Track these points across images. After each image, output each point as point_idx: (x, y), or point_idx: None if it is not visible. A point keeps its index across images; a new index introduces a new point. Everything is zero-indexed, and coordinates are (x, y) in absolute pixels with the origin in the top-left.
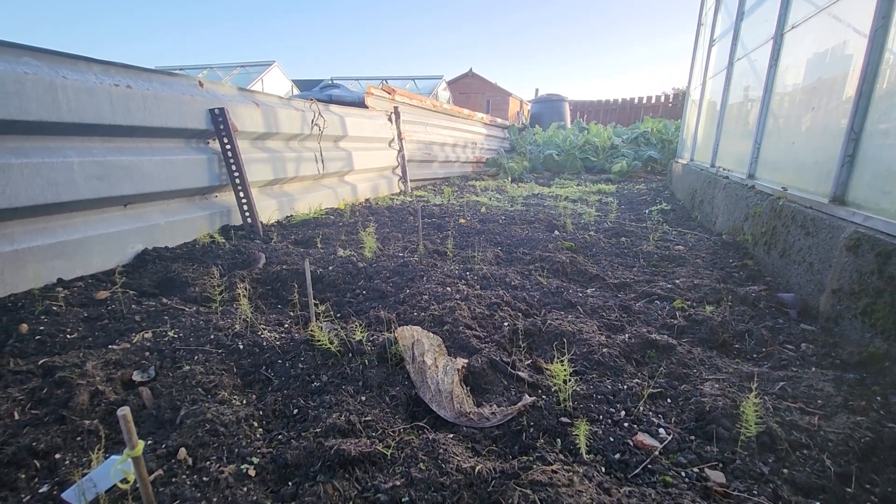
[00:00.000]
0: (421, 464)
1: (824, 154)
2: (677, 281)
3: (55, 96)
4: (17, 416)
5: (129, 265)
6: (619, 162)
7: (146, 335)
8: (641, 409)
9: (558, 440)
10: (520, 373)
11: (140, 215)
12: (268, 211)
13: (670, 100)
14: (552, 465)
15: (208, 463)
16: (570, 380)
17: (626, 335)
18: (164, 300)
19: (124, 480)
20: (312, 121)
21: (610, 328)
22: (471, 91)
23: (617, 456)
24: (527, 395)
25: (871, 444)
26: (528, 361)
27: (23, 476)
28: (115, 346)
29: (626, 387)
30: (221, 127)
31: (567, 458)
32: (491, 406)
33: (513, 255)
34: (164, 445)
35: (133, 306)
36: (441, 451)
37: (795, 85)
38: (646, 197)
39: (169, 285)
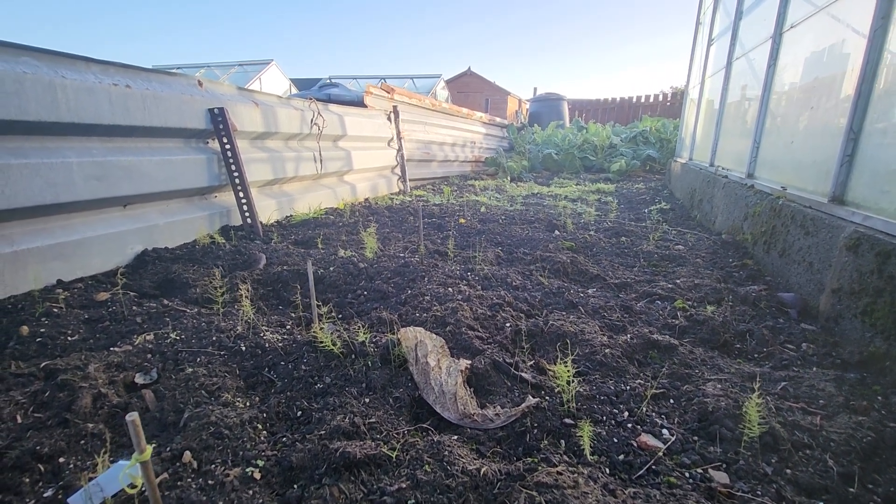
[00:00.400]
0: (426, 466)
1: (823, 153)
2: (678, 281)
3: (54, 96)
4: (19, 420)
5: (128, 266)
6: (618, 161)
7: (148, 337)
8: (644, 409)
9: (562, 441)
10: (523, 374)
11: (139, 216)
12: (267, 211)
13: (668, 99)
14: (557, 466)
15: (213, 466)
16: (573, 381)
17: (628, 335)
18: (166, 301)
19: (132, 485)
20: (311, 120)
21: (612, 328)
22: (469, 90)
23: (621, 457)
24: (530, 397)
25: (873, 444)
26: (531, 362)
27: (27, 480)
28: (116, 349)
29: (628, 387)
30: (221, 126)
31: (571, 460)
32: (495, 407)
33: (513, 255)
34: (168, 448)
35: (134, 308)
36: (446, 452)
37: (794, 84)
38: (645, 196)
39: (170, 286)
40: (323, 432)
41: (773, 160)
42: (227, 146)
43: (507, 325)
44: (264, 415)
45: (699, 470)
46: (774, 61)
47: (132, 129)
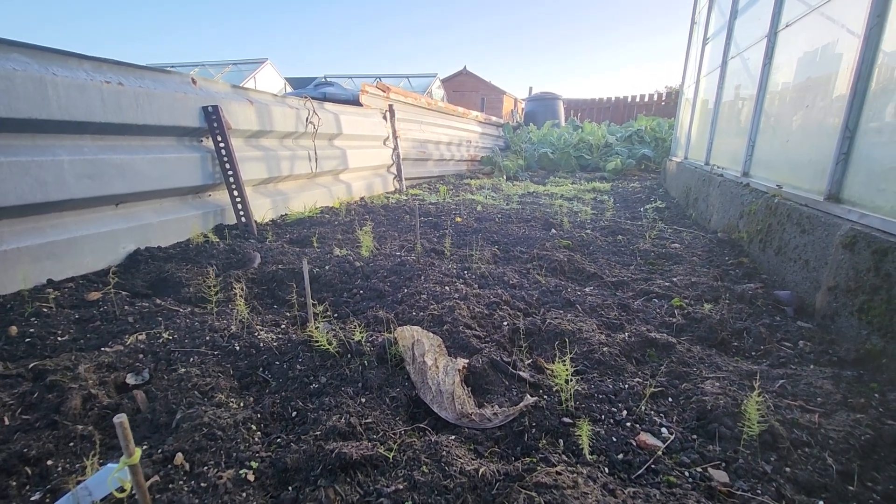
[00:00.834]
0: (423, 467)
1: (819, 152)
2: (674, 279)
3: (45, 93)
4: (7, 422)
5: (121, 265)
6: (614, 160)
7: (140, 337)
8: (643, 408)
9: (561, 441)
10: (521, 373)
11: (132, 214)
12: (262, 210)
13: (664, 98)
14: (556, 466)
15: (206, 468)
16: (571, 379)
17: (626, 334)
18: (158, 301)
19: (121, 489)
20: (307, 119)
21: (609, 327)
22: (465, 89)
23: (620, 456)
24: (528, 396)
25: (872, 441)
26: (529, 361)
27: (14, 483)
28: (107, 349)
29: (627, 386)
30: (215, 125)
31: (570, 459)
32: (492, 407)
33: (510, 253)
34: (160, 450)
35: (126, 307)
36: (444, 453)
37: (789, 83)
38: (640, 195)
39: (162, 286)
40: (318, 433)
41: (768, 159)
42: (222, 144)
43: (505, 323)
44: (258, 415)
45: (699, 469)
46: (769, 60)
47: (125, 127)
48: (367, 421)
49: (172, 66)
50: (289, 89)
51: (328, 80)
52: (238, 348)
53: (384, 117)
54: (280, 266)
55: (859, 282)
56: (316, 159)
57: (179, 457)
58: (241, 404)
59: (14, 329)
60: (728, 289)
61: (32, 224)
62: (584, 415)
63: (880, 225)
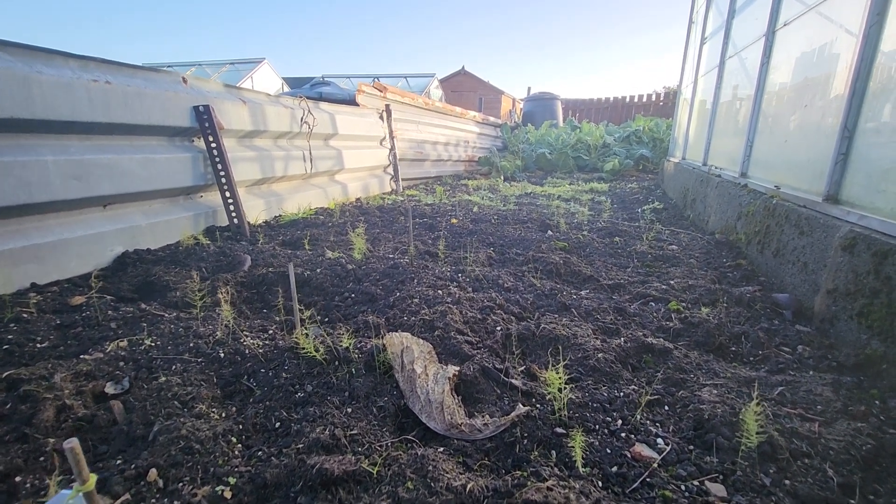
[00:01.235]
0: (409, 483)
1: (817, 152)
2: (672, 282)
3: (29, 92)
4: None
5: (108, 268)
6: (611, 160)
7: (121, 343)
8: (639, 417)
9: (553, 452)
10: (513, 380)
11: (120, 216)
12: (255, 211)
13: (661, 98)
14: (547, 481)
15: (181, 485)
16: (565, 388)
17: (622, 339)
18: (143, 305)
19: None
20: (302, 119)
21: (605, 331)
22: (463, 89)
23: (614, 469)
24: (520, 405)
25: (873, 451)
26: (522, 368)
27: None
28: (87, 356)
29: (622, 394)
30: (206, 125)
31: (563, 473)
32: (483, 417)
33: (505, 255)
34: (133, 466)
35: (109, 312)
36: (430, 467)
37: (787, 83)
38: (638, 196)
39: (149, 290)
40: (301, 445)
41: (766, 159)
42: (213, 144)
43: (498, 328)
44: (240, 426)
45: (695, 482)
46: (767, 60)
47: (113, 127)
48: (352, 432)
49: (170, 66)
50: (286, 89)
51: (325, 79)
52: (223, 355)
53: (381, 117)
54: (270, 269)
55: (859, 285)
56: (311, 160)
57: (153, 473)
58: (223, 414)
59: None
60: (726, 292)
61: (15, 226)
62: (578, 424)
63: (880, 227)
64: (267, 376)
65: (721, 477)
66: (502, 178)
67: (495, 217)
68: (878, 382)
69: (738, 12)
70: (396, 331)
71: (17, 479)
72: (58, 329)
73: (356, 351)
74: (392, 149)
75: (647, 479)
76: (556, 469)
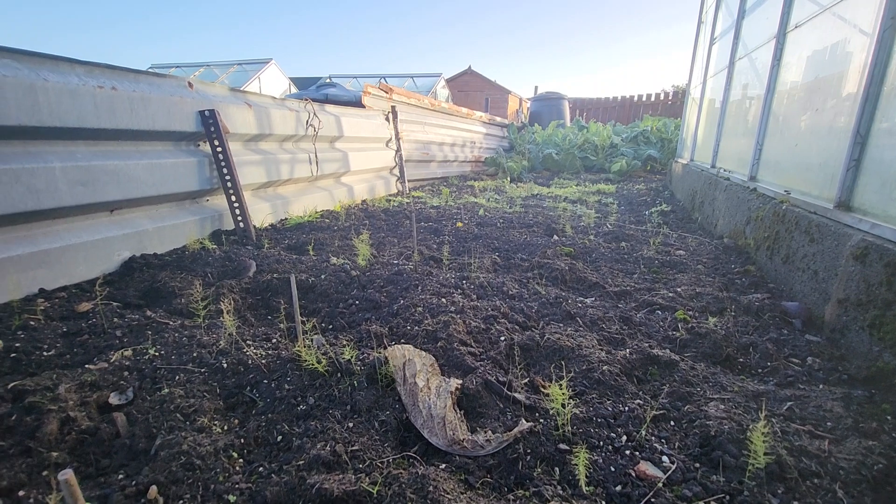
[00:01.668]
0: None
1: (829, 156)
2: (679, 289)
3: (35, 99)
4: None
5: (115, 273)
6: (619, 161)
7: (126, 353)
8: (644, 433)
9: (556, 469)
10: (516, 394)
11: (127, 221)
12: (261, 214)
13: (670, 98)
14: (550, 501)
15: (181, 502)
16: (569, 402)
17: (627, 350)
18: (149, 312)
19: None
20: (307, 121)
21: (610, 342)
22: (469, 89)
23: (618, 488)
24: (523, 421)
25: (885, 471)
26: (526, 380)
27: None
28: (91, 366)
29: (627, 408)
30: (212, 129)
31: (566, 492)
32: (486, 432)
33: (510, 261)
34: (133, 483)
35: (115, 320)
36: (430, 488)
37: (799, 85)
38: (645, 197)
39: (155, 296)
40: (302, 462)
41: (776, 162)
42: (219, 148)
43: (502, 338)
44: (241, 440)
45: None
46: (778, 61)
47: (119, 132)
48: (353, 448)
49: (178, 67)
50: (293, 89)
51: (332, 80)
52: (226, 366)
53: (387, 119)
54: (275, 276)
55: (871, 295)
56: (317, 162)
57: (153, 490)
58: (225, 427)
59: (0, 344)
60: (734, 300)
61: (24, 232)
62: (582, 441)
63: (893, 236)
64: (269, 387)
65: (727, 497)
66: (509, 178)
67: (501, 220)
68: (889, 397)
69: (748, 13)
70: (399, 341)
71: (21, 493)
72: (64, 337)
73: (358, 363)
74: (398, 150)
75: (652, 500)
76: (558, 488)
